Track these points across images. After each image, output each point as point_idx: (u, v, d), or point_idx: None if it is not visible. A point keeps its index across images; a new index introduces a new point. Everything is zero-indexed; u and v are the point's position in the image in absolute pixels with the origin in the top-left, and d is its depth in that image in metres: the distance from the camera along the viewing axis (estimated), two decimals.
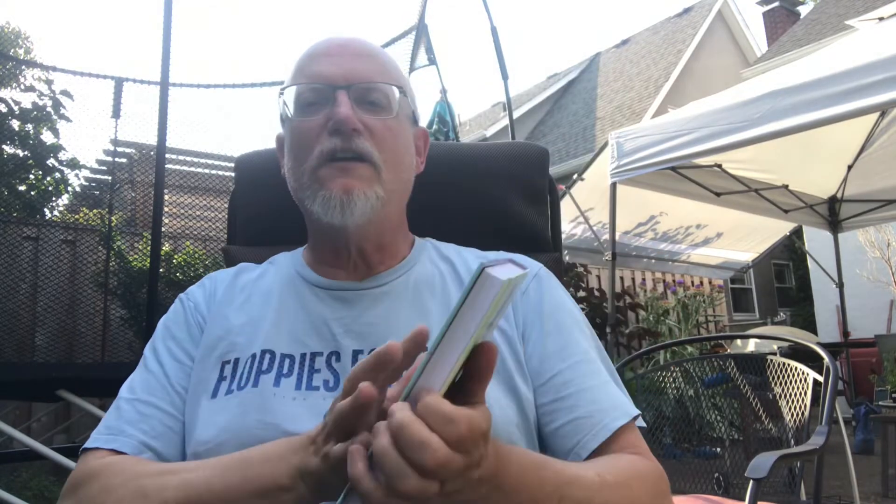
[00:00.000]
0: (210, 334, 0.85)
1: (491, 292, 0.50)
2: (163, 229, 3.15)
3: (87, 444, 0.75)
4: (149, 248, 3.20)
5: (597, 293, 6.14)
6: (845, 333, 5.97)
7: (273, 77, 4.17)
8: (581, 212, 4.84)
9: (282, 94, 0.88)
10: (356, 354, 0.79)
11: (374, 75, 0.86)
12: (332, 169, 0.82)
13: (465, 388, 0.52)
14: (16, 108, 4.44)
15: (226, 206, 1.20)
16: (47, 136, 4.63)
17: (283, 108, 0.88)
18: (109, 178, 4.35)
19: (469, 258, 0.92)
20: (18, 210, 4.62)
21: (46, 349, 3.49)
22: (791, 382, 2.75)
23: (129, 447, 0.74)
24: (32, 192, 4.97)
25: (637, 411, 0.79)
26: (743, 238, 5.87)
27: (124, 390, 0.82)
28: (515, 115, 8.55)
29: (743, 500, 1.97)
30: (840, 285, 5.66)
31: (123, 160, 4.32)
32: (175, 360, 0.84)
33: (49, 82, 4.46)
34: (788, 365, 2.77)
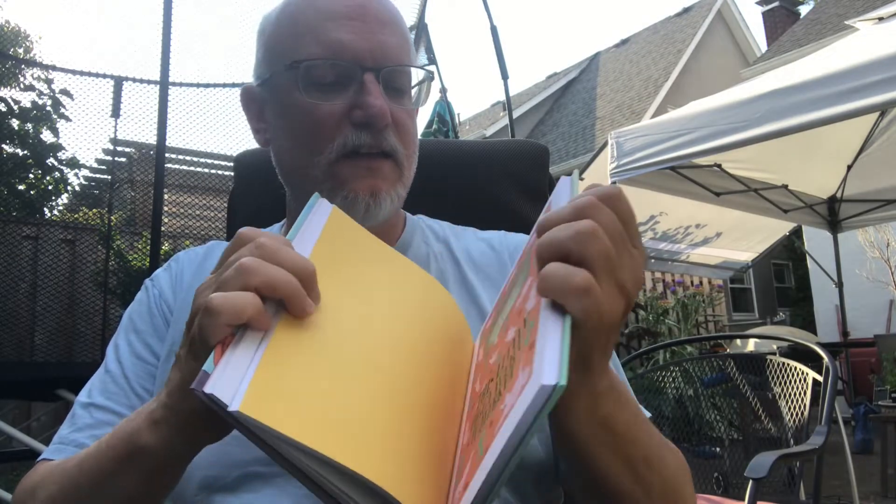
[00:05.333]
0: (176, 327, 0.75)
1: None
2: (162, 229, 3.16)
3: (41, 457, 0.69)
4: (148, 247, 3.20)
5: None
6: (845, 333, 5.97)
7: None
8: None
9: (295, 65, 0.72)
10: None
11: (403, 54, 0.75)
12: (355, 168, 0.72)
13: None
14: (15, 107, 4.44)
15: (225, 205, 1.20)
16: (47, 136, 4.63)
17: (278, 73, 0.74)
18: (109, 177, 4.35)
19: (468, 238, 0.86)
20: (18, 209, 4.61)
21: (46, 349, 3.49)
22: (790, 382, 2.75)
23: None
24: (32, 192, 4.97)
25: (647, 413, 0.71)
26: (742, 238, 5.87)
27: (82, 394, 0.73)
28: (515, 114, 8.55)
29: (742, 499, 1.97)
30: (839, 285, 5.66)
31: (123, 160, 4.32)
32: (137, 357, 0.74)
33: (48, 81, 4.46)
34: (788, 365, 2.77)
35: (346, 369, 0.51)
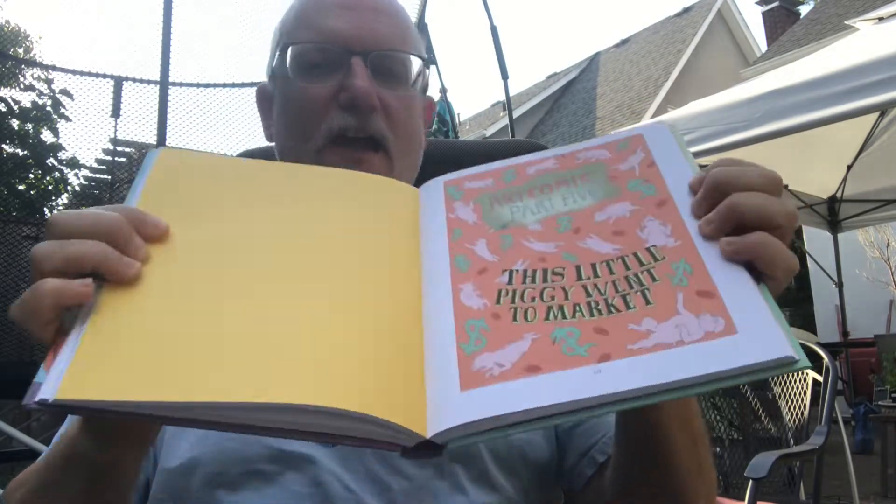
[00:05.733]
0: None
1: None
2: None
3: (41, 457, 0.69)
4: None
5: None
6: (845, 333, 5.97)
7: None
8: None
9: (285, 49, 0.74)
10: None
11: (395, 40, 0.74)
12: (341, 157, 0.71)
13: None
14: (15, 107, 4.44)
15: None
16: (47, 136, 4.64)
17: (278, 63, 0.76)
18: (109, 177, 4.35)
19: None
20: (18, 209, 4.62)
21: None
22: (790, 382, 2.75)
23: None
24: (32, 192, 4.98)
25: None
26: None
27: None
28: (515, 114, 8.54)
29: (742, 499, 1.97)
30: (839, 285, 5.65)
31: (123, 160, 4.32)
32: None
33: (49, 81, 4.47)
34: None
35: (206, 304, 0.46)
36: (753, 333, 0.41)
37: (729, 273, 0.45)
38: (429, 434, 0.42)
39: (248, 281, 0.49)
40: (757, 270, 0.45)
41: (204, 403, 0.40)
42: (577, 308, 0.46)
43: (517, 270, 0.50)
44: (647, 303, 0.45)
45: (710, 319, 0.42)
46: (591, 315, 0.46)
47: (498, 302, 0.49)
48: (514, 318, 0.47)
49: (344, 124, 0.70)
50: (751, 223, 0.46)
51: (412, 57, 0.75)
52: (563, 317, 0.46)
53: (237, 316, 0.46)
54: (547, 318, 0.46)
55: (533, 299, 0.48)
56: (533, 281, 0.49)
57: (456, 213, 0.57)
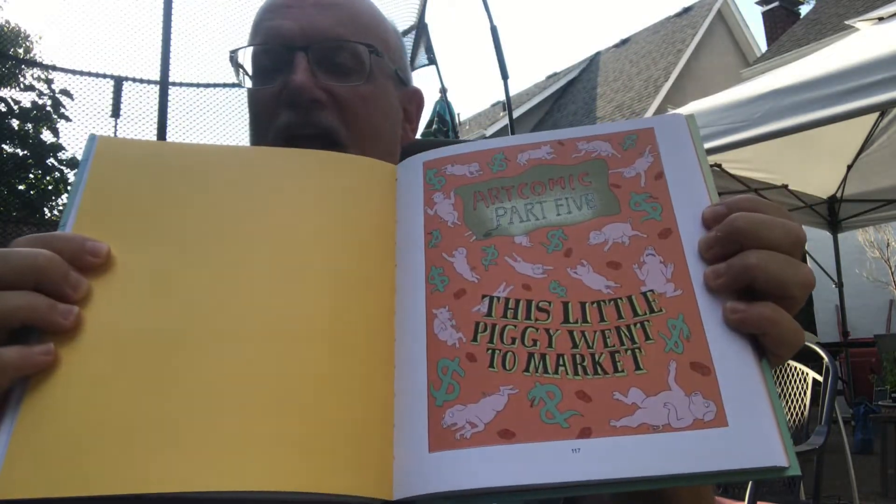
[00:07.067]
0: None
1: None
2: None
3: None
4: None
5: None
6: (845, 333, 5.97)
7: None
8: None
9: (233, 56, 0.73)
10: None
11: (339, 30, 0.71)
12: None
13: None
14: (15, 107, 4.44)
15: None
16: (47, 136, 4.64)
17: (240, 75, 0.74)
18: None
19: None
20: (18, 209, 4.62)
21: None
22: (790, 382, 2.75)
23: None
24: (32, 192, 4.98)
25: None
26: None
27: None
28: (515, 114, 8.54)
29: (742, 499, 1.97)
30: (839, 285, 5.66)
31: None
32: None
33: (49, 81, 4.47)
34: (788, 365, 2.77)
35: (152, 359, 0.42)
36: (745, 430, 0.38)
37: (729, 345, 0.42)
38: (395, 496, 0.41)
39: (199, 318, 0.44)
40: (759, 342, 0.42)
41: (151, 494, 0.38)
42: (561, 361, 0.43)
43: (498, 298, 0.46)
44: (637, 367, 0.42)
45: (701, 403, 0.40)
46: (576, 373, 0.42)
47: (475, 339, 0.45)
48: (492, 364, 0.44)
49: (288, 122, 0.68)
50: (763, 289, 0.42)
51: (363, 48, 0.71)
52: (545, 370, 0.43)
53: (187, 376, 0.42)
54: (527, 370, 0.43)
55: (513, 341, 0.44)
56: (515, 315, 0.45)
57: (435, 210, 0.51)
